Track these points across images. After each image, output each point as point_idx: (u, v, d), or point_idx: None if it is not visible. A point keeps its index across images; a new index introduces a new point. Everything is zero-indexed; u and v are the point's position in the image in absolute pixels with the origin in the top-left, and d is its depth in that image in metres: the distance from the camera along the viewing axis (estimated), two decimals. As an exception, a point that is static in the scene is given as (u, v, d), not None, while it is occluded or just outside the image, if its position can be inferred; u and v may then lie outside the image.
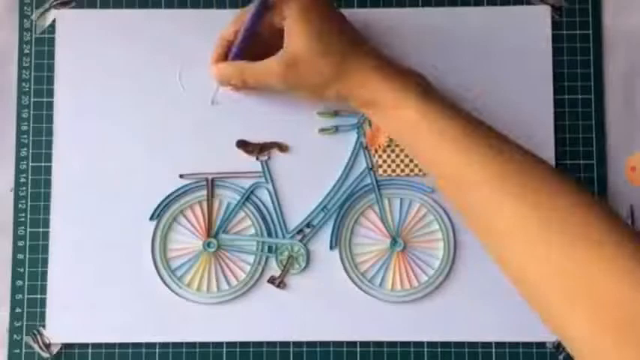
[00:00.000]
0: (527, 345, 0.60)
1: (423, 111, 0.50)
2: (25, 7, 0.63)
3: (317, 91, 0.55)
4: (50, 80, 0.62)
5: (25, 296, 0.60)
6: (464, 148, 0.46)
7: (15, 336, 0.60)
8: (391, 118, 0.52)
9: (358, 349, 0.60)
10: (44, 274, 0.60)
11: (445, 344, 0.60)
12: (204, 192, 0.61)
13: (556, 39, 0.62)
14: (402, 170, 0.61)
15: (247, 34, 0.56)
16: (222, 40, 0.58)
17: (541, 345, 0.60)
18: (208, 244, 0.61)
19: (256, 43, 0.56)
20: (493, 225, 0.43)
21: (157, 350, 0.60)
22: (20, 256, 0.61)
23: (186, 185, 0.61)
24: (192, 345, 0.60)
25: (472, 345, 0.60)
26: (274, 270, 0.60)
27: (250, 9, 0.55)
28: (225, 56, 0.57)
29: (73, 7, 0.63)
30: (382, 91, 0.52)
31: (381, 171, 0.61)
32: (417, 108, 0.50)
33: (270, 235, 0.61)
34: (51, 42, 0.62)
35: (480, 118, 0.52)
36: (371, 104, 0.54)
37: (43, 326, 0.60)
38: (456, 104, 0.52)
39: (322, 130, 0.62)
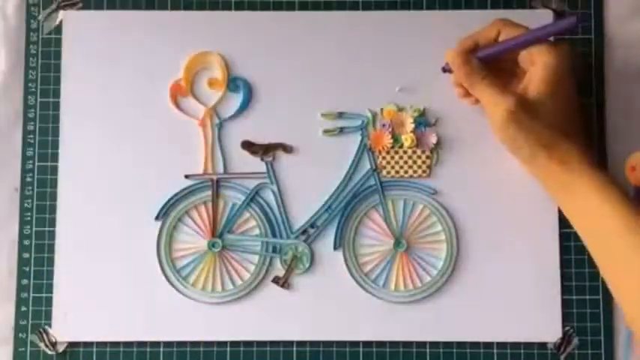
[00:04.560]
0: (529, 345, 0.60)
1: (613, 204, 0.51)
2: (32, 8, 0.63)
3: (529, 148, 0.54)
4: (57, 80, 0.62)
5: (31, 295, 0.61)
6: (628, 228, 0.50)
7: (20, 334, 0.60)
8: (583, 206, 0.53)
9: (361, 349, 0.60)
10: (50, 272, 0.61)
11: (447, 344, 0.60)
12: (209, 192, 0.62)
13: (558, 43, 0.63)
14: (406, 172, 0.61)
15: (506, 49, 0.55)
16: (474, 37, 0.56)
17: (542, 345, 0.60)
18: (213, 244, 0.61)
19: (492, 63, 0.56)
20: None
21: (162, 349, 0.60)
22: (26, 255, 0.61)
23: (192, 185, 0.61)
24: (196, 344, 0.60)
25: (474, 345, 0.60)
26: (278, 270, 0.61)
27: (528, 31, 0.54)
28: (466, 51, 0.56)
29: (80, 8, 0.63)
30: (584, 178, 0.52)
31: (384, 172, 0.62)
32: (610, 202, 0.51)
33: (274, 235, 0.61)
34: (58, 42, 0.63)
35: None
36: (565, 187, 0.54)
37: (49, 325, 0.60)
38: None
39: (326, 132, 0.62)
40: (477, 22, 0.62)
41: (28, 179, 0.62)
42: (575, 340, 0.60)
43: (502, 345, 0.60)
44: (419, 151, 0.61)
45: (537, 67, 0.53)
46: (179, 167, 0.62)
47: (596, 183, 0.52)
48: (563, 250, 0.61)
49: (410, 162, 0.61)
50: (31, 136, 0.62)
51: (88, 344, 0.60)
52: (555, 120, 0.53)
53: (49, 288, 0.61)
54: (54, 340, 0.60)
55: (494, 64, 0.56)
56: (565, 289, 0.60)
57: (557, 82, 0.53)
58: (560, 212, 0.61)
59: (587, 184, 0.52)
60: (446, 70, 0.58)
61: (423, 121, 0.62)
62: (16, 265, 0.61)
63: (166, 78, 0.62)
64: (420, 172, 0.61)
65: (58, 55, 0.63)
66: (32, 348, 0.60)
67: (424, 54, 0.62)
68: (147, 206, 0.61)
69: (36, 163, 0.62)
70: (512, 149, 0.55)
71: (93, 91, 0.62)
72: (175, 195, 0.61)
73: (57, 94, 0.62)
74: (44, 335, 0.60)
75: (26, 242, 0.61)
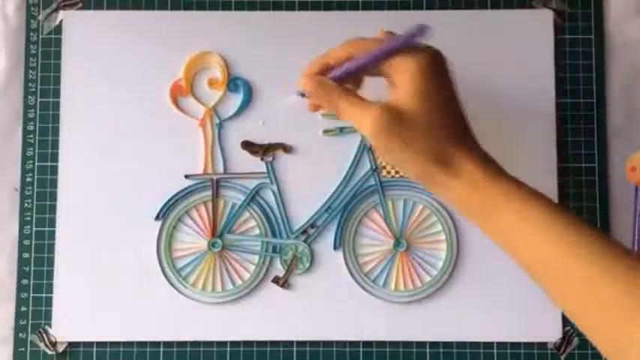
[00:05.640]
0: (529, 345, 0.60)
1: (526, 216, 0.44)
2: (32, 8, 0.63)
3: (416, 164, 0.46)
4: (57, 80, 0.62)
5: (31, 295, 0.61)
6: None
7: (20, 334, 0.60)
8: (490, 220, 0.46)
9: (361, 349, 0.60)
10: (50, 272, 0.61)
11: (447, 344, 0.60)
12: (210, 192, 0.62)
13: (559, 43, 0.63)
14: (406, 172, 0.61)
15: (360, 66, 0.48)
16: (325, 58, 0.50)
17: (542, 345, 0.60)
18: (213, 244, 0.61)
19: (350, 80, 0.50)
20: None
21: (162, 349, 0.60)
22: (26, 255, 0.61)
23: (192, 185, 0.61)
24: (196, 344, 0.60)
25: (474, 345, 0.60)
26: (278, 270, 0.61)
27: (381, 44, 0.47)
28: (319, 73, 0.50)
29: (80, 8, 0.63)
30: (495, 189, 0.45)
31: (384, 172, 0.62)
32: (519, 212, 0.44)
33: (274, 235, 0.61)
34: (57, 42, 0.63)
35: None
36: (473, 205, 0.46)
37: (49, 325, 0.60)
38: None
39: (326, 132, 0.62)
40: (477, 22, 0.63)
41: (28, 179, 0.62)
42: (575, 340, 0.60)
43: (502, 345, 0.60)
44: (419, 151, 0.61)
45: (402, 75, 0.46)
46: (179, 167, 0.62)
47: (512, 194, 0.44)
48: (563, 250, 0.61)
49: (410, 162, 0.61)
50: (31, 136, 0.62)
51: (88, 344, 0.60)
52: (439, 128, 0.45)
53: (49, 288, 0.61)
54: (54, 340, 0.60)
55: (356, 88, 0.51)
56: (565, 289, 0.60)
57: (428, 87, 0.45)
58: (560, 212, 0.61)
59: (499, 197, 0.44)
60: (303, 95, 0.51)
61: (423, 121, 0.62)
62: (16, 265, 0.61)
63: (166, 78, 0.62)
64: (420, 172, 0.61)
65: (58, 55, 0.63)
66: (32, 348, 0.60)
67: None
68: (147, 206, 0.61)
69: (36, 163, 0.62)
70: (401, 168, 0.48)
71: (93, 91, 0.62)
72: (175, 195, 0.61)
73: (57, 94, 0.62)
74: (44, 335, 0.60)
75: (26, 242, 0.61)
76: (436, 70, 0.46)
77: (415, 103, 0.45)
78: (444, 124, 0.46)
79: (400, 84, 0.46)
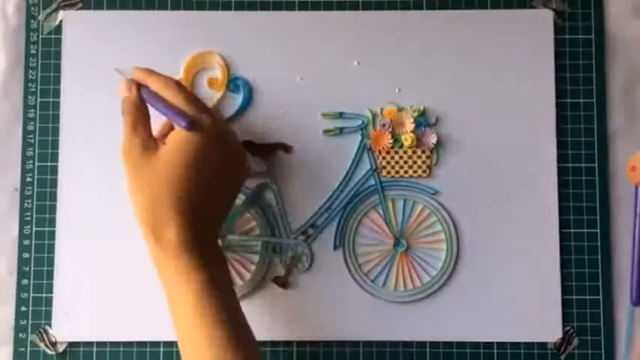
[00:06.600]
0: (529, 345, 0.60)
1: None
2: (32, 8, 0.63)
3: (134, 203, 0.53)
4: (57, 80, 0.62)
5: (31, 295, 0.61)
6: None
7: (20, 334, 0.60)
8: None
9: (361, 349, 0.60)
10: (50, 272, 0.61)
11: (447, 344, 0.60)
12: (210, 192, 0.62)
13: (558, 43, 0.63)
14: (406, 172, 0.61)
15: (156, 107, 0.54)
16: (152, 78, 0.55)
17: (542, 345, 0.60)
18: (213, 244, 0.61)
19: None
20: None
21: (162, 349, 0.60)
22: (26, 255, 0.61)
23: (192, 185, 0.61)
24: (196, 344, 0.60)
25: (474, 345, 0.60)
26: (278, 270, 0.61)
27: (168, 106, 0.53)
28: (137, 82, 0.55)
29: (80, 8, 0.63)
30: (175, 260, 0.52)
31: (384, 172, 0.62)
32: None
33: (274, 235, 0.61)
34: (57, 42, 0.63)
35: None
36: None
37: (49, 325, 0.60)
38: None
39: (327, 132, 0.62)
40: (477, 22, 0.63)
41: (28, 179, 0.62)
42: (575, 340, 0.60)
43: (502, 345, 0.60)
44: (419, 151, 0.61)
45: (176, 141, 0.52)
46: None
47: (183, 266, 0.51)
48: (563, 250, 0.61)
49: (410, 162, 0.61)
50: (31, 136, 0.62)
51: (88, 344, 0.60)
52: (165, 198, 0.51)
53: (49, 288, 0.61)
54: (54, 340, 0.60)
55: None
56: (565, 289, 0.61)
57: (184, 161, 0.51)
58: (560, 212, 0.61)
59: (174, 266, 0.51)
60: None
61: (423, 121, 0.62)
62: (16, 265, 0.61)
63: (166, 78, 0.62)
64: (420, 172, 0.61)
65: (58, 55, 0.63)
66: (32, 348, 0.60)
67: (424, 54, 0.62)
68: (147, 206, 0.61)
69: (36, 163, 0.62)
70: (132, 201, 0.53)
71: (93, 90, 0.62)
72: (175, 195, 0.61)
73: (57, 94, 0.62)
74: (44, 335, 0.60)
75: (26, 242, 0.61)
76: (201, 154, 0.51)
77: (165, 164, 0.51)
78: (181, 192, 0.51)
79: (170, 144, 0.51)
